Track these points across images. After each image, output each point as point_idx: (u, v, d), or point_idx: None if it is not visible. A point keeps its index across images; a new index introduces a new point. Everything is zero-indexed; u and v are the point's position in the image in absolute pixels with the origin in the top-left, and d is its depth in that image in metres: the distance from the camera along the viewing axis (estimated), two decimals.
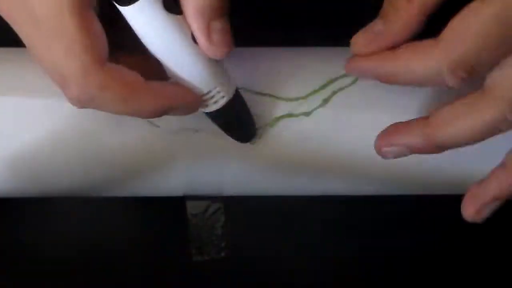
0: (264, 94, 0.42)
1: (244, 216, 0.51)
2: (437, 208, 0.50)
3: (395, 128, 0.40)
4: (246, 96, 0.41)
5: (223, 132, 0.42)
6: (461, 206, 0.40)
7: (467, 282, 0.52)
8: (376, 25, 0.41)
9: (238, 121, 0.41)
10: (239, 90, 0.41)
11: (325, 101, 0.42)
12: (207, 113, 0.40)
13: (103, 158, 0.43)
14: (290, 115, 0.42)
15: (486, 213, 0.40)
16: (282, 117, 0.42)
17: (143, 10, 0.34)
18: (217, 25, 0.36)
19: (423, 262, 0.52)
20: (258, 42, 0.44)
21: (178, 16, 0.35)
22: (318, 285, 0.52)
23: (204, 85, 0.38)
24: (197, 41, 0.36)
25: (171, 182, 0.44)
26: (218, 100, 0.39)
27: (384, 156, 0.40)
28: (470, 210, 0.40)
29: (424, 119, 0.39)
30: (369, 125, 0.42)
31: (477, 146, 0.42)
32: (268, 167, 0.43)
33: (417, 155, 0.40)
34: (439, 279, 0.52)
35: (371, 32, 0.40)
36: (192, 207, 0.49)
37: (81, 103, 0.36)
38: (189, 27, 0.36)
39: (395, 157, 0.40)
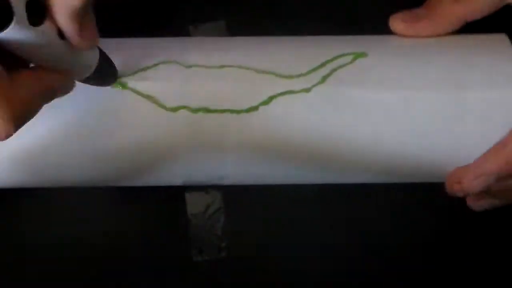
0: (266, 72, 0.43)
1: (244, 215, 0.51)
2: (437, 196, 0.50)
3: None
4: (249, 74, 0.43)
5: (222, 114, 0.43)
6: None
7: (468, 273, 0.52)
8: (420, 10, 0.46)
9: (105, 72, 0.42)
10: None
11: (325, 78, 0.43)
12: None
13: (102, 149, 0.43)
14: (291, 91, 0.43)
15: None
16: (283, 93, 0.43)
17: (14, 33, 0.34)
18: (85, 21, 0.37)
19: (424, 250, 0.52)
20: (263, 32, 0.45)
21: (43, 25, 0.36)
22: (319, 284, 0.52)
23: (75, 67, 0.39)
24: (69, 39, 0.37)
25: (171, 172, 0.44)
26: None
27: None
28: None
29: None
30: (368, 102, 0.43)
31: (476, 139, 0.43)
32: (269, 146, 0.44)
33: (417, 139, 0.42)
34: (438, 269, 0.52)
35: (414, 13, 0.45)
36: (192, 207, 0.49)
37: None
38: (52, 28, 0.36)
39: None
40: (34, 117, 0.42)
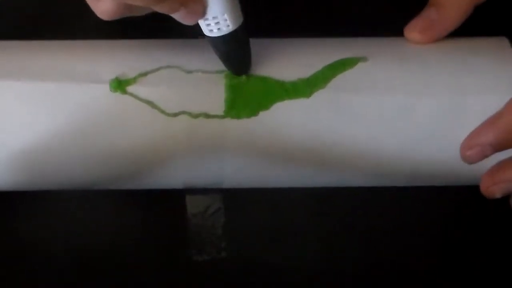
0: (266, 77, 0.43)
1: (244, 216, 0.51)
2: (434, 199, 0.50)
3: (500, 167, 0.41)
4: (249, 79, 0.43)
5: (222, 119, 0.42)
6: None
7: (469, 277, 0.52)
8: (430, 13, 0.44)
9: (237, 52, 0.42)
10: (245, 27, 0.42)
11: (326, 83, 0.43)
12: (209, 38, 0.42)
13: (103, 151, 0.43)
14: (291, 96, 0.43)
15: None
16: (283, 98, 0.43)
17: None
18: None
19: (423, 253, 0.52)
20: (263, 34, 0.45)
21: None
22: (319, 284, 0.52)
23: (212, 8, 0.40)
24: None
25: (171, 175, 0.44)
26: (222, 28, 0.41)
27: (491, 195, 0.41)
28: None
29: None
30: (367, 107, 0.43)
31: None
32: (269, 151, 0.44)
33: (417, 144, 0.42)
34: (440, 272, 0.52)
35: (426, 19, 0.44)
36: (192, 207, 0.49)
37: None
38: None
39: (502, 195, 0.41)
40: (34, 119, 0.42)
